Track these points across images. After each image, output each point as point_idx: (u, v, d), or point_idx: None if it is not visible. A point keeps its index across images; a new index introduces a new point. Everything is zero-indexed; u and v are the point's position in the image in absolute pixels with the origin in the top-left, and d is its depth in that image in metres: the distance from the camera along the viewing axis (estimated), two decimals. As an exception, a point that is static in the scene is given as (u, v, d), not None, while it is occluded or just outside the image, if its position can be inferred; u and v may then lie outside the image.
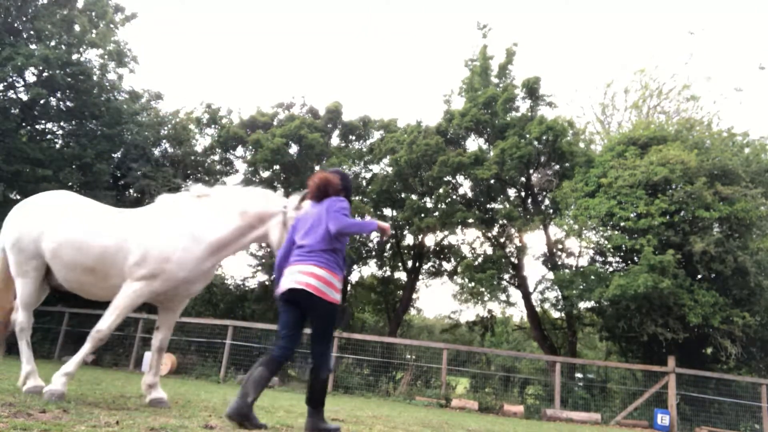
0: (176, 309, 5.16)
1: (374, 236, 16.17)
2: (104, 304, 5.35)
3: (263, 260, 17.47)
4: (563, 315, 16.20)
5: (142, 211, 5.01)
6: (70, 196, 5.15)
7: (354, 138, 19.00)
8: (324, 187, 3.92)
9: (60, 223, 4.75)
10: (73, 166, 14.42)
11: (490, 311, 17.43)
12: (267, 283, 17.61)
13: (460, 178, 16.34)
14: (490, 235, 16.22)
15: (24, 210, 5.00)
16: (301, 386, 11.55)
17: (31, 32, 14.38)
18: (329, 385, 11.84)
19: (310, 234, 3.79)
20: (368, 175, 18.14)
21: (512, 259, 16.01)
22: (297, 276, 3.66)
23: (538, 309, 16.48)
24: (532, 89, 15.79)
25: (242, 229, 4.75)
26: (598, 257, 14.57)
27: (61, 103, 15.05)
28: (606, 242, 13.34)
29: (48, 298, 16.07)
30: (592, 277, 13.28)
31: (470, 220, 15.47)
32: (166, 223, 4.68)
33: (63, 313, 13.80)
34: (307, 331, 3.79)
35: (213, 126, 18.47)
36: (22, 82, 14.44)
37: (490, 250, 16.32)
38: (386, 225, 3.94)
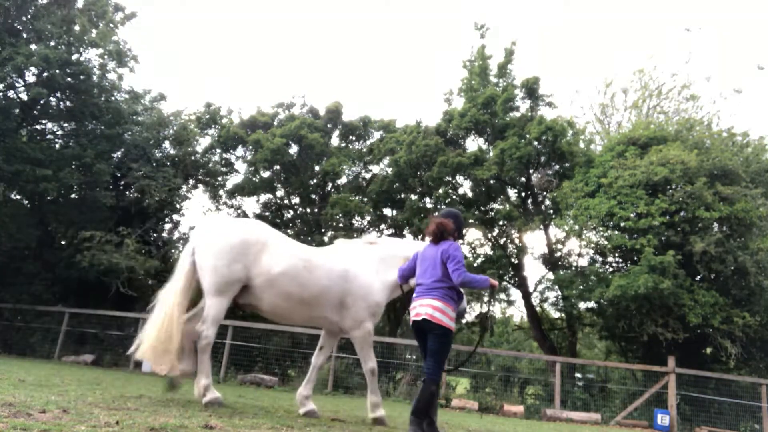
0: (339, 335, 5.88)
1: None
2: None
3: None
4: (563, 315, 16.20)
5: (340, 253, 5.67)
6: (267, 229, 5.65)
7: (354, 138, 19.00)
8: (440, 232, 4.62)
9: (278, 257, 5.29)
10: (73, 166, 14.40)
11: (490, 311, 17.44)
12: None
13: (459, 179, 16.34)
14: (490, 235, 16.22)
15: (230, 237, 5.32)
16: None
17: (31, 32, 14.36)
18: (329, 385, 11.84)
19: (428, 273, 4.54)
20: (368, 176, 18.14)
21: (512, 260, 16.01)
22: (419, 309, 4.44)
23: (538, 309, 16.47)
24: (531, 89, 15.79)
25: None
26: (598, 257, 14.57)
27: (61, 103, 15.04)
28: (606, 242, 13.34)
29: (48, 298, 15.93)
30: (592, 277, 13.28)
31: (470, 221, 15.47)
32: (365, 267, 5.46)
33: (63, 313, 13.79)
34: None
35: (213, 126, 18.47)
36: (22, 82, 14.42)
37: (490, 251, 16.32)
38: (495, 282, 4.56)
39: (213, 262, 5.18)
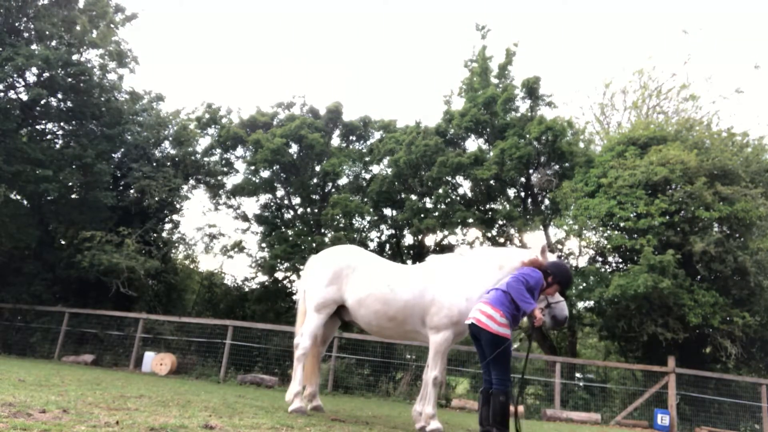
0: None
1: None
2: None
3: (263, 261, 17.45)
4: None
5: (425, 268, 5.97)
6: (360, 255, 6.27)
7: (354, 138, 18.99)
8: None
9: (365, 279, 5.86)
10: (74, 166, 14.41)
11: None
12: (267, 283, 17.59)
13: (459, 179, 16.32)
14: (489, 235, 16.21)
15: (327, 264, 6.11)
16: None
17: (32, 32, 14.37)
18: (329, 385, 11.84)
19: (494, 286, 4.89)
20: (368, 176, 18.14)
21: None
22: (471, 313, 4.70)
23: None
24: (531, 89, 15.77)
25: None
26: (598, 257, 14.55)
27: (61, 103, 15.03)
28: (606, 242, 13.33)
29: (48, 298, 15.96)
30: (592, 277, 13.26)
31: (470, 221, 15.47)
32: (450, 280, 5.60)
33: (63, 313, 13.80)
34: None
35: (213, 126, 18.46)
36: (23, 83, 14.43)
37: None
38: (540, 316, 4.65)
39: (313, 286, 6.05)
